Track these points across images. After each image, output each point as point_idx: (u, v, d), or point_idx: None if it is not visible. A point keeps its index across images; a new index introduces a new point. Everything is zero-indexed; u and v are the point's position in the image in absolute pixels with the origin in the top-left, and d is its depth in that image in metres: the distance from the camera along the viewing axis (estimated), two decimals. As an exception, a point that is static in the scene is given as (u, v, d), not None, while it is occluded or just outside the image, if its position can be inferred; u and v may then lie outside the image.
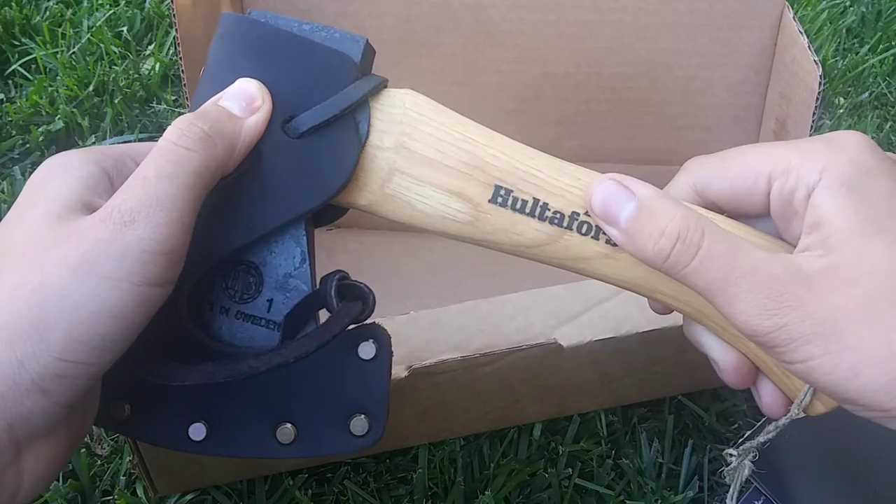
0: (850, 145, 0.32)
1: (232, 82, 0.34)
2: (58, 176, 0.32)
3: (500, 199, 0.33)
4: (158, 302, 0.30)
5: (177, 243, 0.30)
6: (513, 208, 0.33)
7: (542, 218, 0.33)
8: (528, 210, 0.33)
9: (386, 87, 0.35)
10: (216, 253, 0.33)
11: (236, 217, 0.33)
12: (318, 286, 0.34)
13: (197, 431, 0.34)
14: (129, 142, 0.78)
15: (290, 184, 0.33)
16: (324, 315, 0.35)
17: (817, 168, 0.31)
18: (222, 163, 0.32)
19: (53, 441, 0.30)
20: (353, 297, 0.35)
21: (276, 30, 0.34)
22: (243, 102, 0.33)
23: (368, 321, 0.35)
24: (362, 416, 0.35)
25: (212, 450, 0.35)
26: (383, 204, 0.34)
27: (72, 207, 0.30)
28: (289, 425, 0.34)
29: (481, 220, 0.33)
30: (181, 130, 0.31)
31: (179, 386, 0.31)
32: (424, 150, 0.33)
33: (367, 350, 0.35)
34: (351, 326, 0.34)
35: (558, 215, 0.33)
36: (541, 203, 0.33)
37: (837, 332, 0.29)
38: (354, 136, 0.33)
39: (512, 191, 0.33)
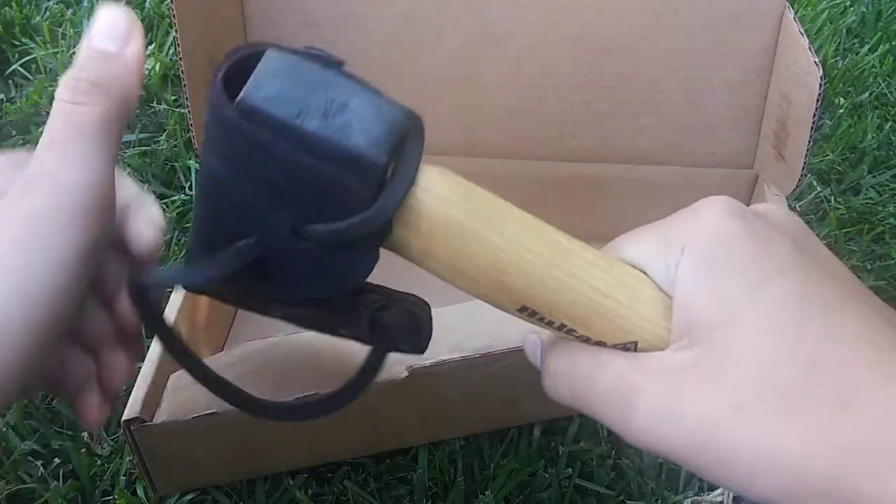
0: (712, 215, 0.29)
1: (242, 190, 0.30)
2: None
3: (527, 313, 0.31)
4: (93, 256, 0.30)
5: (94, 205, 0.29)
6: (539, 321, 0.31)
7: (568, 334, 0.31)
8: (554, 327, 0.31)
9: (413, 185, 0.29)
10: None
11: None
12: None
13: None
14: (129, 142, 0.79)
15: (300, 278, 0.31)
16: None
17: (679, 246, 0.29)
18: (121, 105, 0.31)
19: None
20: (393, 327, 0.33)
21: (271, 147, 0.27)
22: (116, 38, 0.31)
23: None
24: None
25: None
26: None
27: None
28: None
29: (509, 313, 0.32)
30: (70, 88, 0.30)
31: None
32: (451, 265, 0.30)
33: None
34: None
35: (584, 337, 0.31)
36: (568, 327, 0.31)
37: (716, 436, 0.26)
38: (371, 247, 0.30)
39: (538, 313, 0.31)
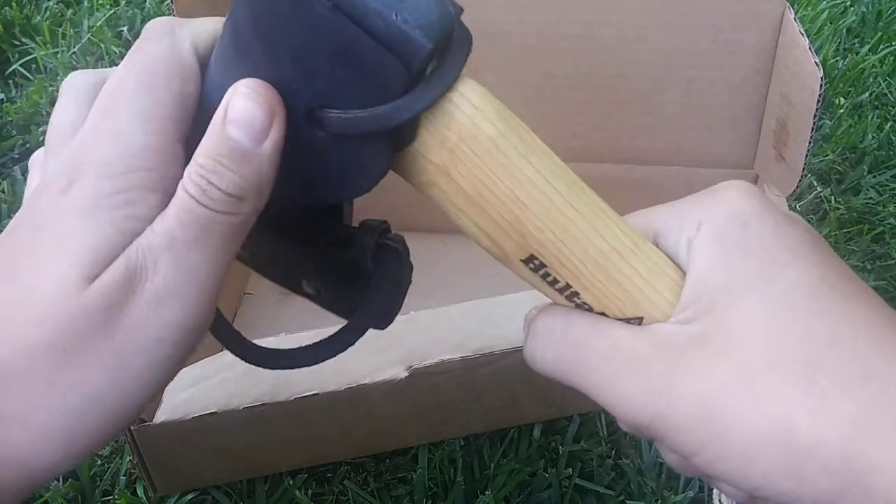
0: (731, 195, 0.29)
1: (246, 73, 0.28)
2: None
3: (532, 266, 0.29)
4: (177, 369, 0.28)
5: (207, 319, 0.27)
6: (543, 278, 0.29)
7: (570, 299, 0.29)
8: (557, 287, 0.29)
9: (448, 88, 0.27)
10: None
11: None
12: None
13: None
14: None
15: (302, 176, 0.28)
16: None
17: (695, 222, 0.29)
18: (252, 213, 0.28)
19: None
20: (391, 260, 0.31)
21: (312, 4, 0.25)
22: (253, 129, 0.26)
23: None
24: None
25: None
26: (426, 195, 0.29)
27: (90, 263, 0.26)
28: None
29: (511, 266, 0.30)
30: (200, 188, 0.26)
31: None
32: (468, 189, 0.28)
33: None
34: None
35: (586, 305, 0.29)
36: (572, 290, 0.29)
37: (718, 412, 0.25)
38: (385, 150, 0.28)
39: (547, 266, 0.29)
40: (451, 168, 0.28)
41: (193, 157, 0.26)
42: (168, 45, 0.28)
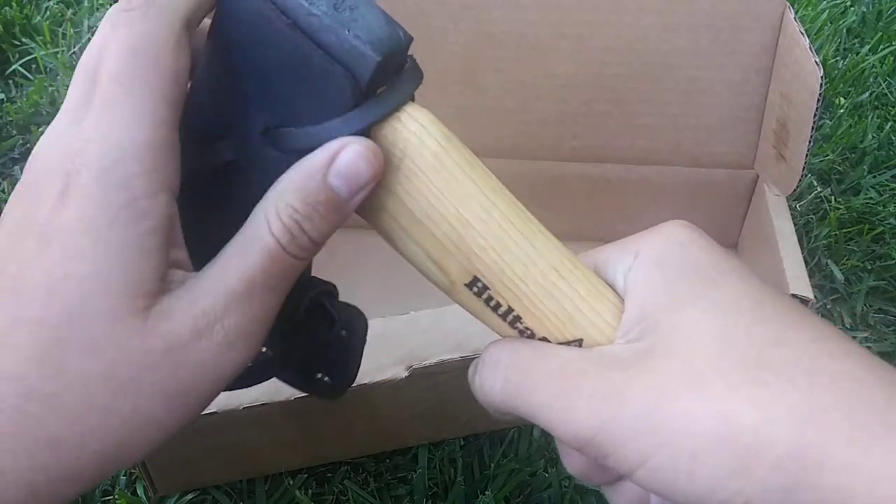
0: (669, 227, 0.29)
1: (226, 78, 0.28)
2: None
3: (475, 290, 0.29)
4: None
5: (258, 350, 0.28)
6: (486, 303, 0.30)
7: (512, 325, 0.30)
8: (500, 312, 0.30)
9: (398, 105, 0.29)
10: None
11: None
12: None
13: None
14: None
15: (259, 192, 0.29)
16: None
17: (632, 253, 0.29)
18: (315, 252, 0.28)
19: None
20: (321, 317, 0.32)
21: (273, 21, 0.27)
22: (354, 185, 0.27)
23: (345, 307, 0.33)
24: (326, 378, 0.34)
25: None
26: (371, 222, 0.30)
27: (149, 282, 0.25)
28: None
29: (455, 294, 0.30)
30: (291, 234, 0.26)
31: None
32: (415, 210, 0.29)
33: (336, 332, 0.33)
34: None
35: (528, 331, 0.30)
36: (514, 314, 0.29)
37: (664, 418, 0.25)
38: None
39: (489, 288, 0.29)
40: (398, 186, 0.28)
41: (280, 196, 0.27)
42: (155, 18, 0.26)
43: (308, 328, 0.32)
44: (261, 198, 0.28)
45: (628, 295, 0.28)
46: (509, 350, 0.30)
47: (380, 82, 0.28)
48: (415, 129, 0.28)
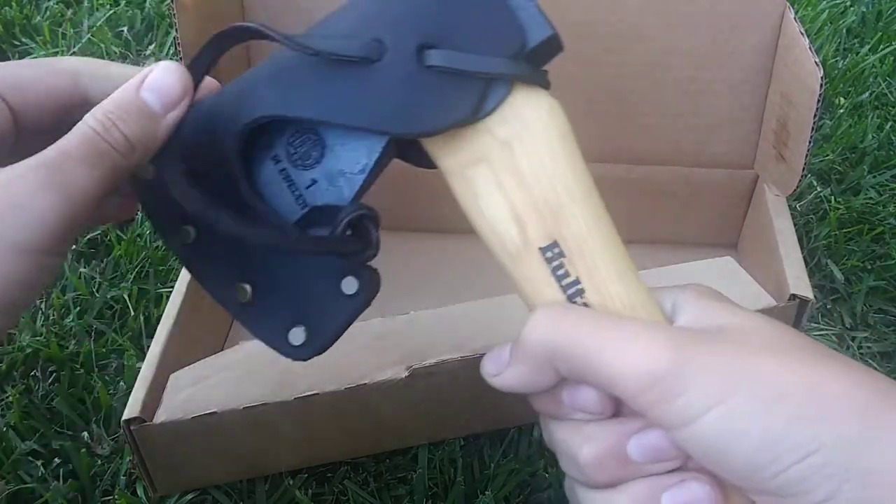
0: (694, 284, 0.32)
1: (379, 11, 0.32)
2: None
3: (549, 255, 0.31)
4: (54, 272, 0.31)
5: (80, 223, 0.31)
6: (553, 271, 0.31)
7: (570, 299, 0.31)
8: (563, 283, 0.31)
9: (542, 86, 0.33)
10: (304, 110, 0.32)
11: (336, 94, 0.32)
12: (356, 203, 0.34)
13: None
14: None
15: (392, 101, 0.32)
16: None
17: (677, 289, 0.32)
18: (135, 162, 0.32)
19: None
20: (360, 235, 0.34)
21: None
22: (165, 98, 0.32)
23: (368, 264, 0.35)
24: (303, 327, 0.34)
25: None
26: (456, 178, 0.32)
27: None
28: (247, 286, 0.35)
29: (522, 260, 0.31)
30: (102, 125, 0.31)
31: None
32: (523, 166, 0.31)
33: (349, 285, 0.34)
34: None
35: (586, 305, 0.31)
36: (579, 287, 0.30)
37: (750, 365, 0.27)
38: (472, 102, 0.31)
39: (564, 255, 0.31)
40: (518, 145, 0.31)
41: (100, 105, 0.32)
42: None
43: (342, 244, 0.33)
44: (396, 109, 0.32)
45: (683, 308, 0.31)
46: (560, 307, 0.30)
47: (534, 58, 0.32)
48: (554, 104, 0.32)
